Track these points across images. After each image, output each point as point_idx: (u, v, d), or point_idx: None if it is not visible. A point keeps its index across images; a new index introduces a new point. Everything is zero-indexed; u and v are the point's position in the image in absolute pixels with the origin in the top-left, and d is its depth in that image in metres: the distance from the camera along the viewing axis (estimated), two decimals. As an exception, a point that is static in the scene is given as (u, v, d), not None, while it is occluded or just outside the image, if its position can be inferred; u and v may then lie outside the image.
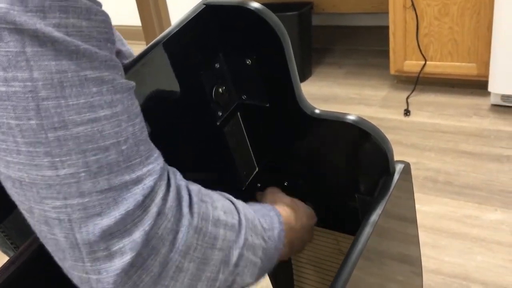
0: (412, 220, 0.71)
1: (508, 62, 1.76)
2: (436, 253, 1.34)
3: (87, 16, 0.35)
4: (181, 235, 0.39)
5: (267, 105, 0.67)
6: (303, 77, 2.42)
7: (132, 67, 0.53)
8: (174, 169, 0.43)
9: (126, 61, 0.54)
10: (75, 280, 0.39)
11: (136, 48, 0.68)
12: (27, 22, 0.32)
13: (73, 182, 0.35)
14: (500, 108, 1.90)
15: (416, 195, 1.65)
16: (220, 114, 0.67)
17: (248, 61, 0.64)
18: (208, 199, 0.45)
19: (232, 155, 0.71)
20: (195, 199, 0.43)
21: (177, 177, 0.42)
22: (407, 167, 0.63)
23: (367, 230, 0.55)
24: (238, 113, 0.70)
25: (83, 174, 0.35)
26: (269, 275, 0.89)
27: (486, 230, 1.39)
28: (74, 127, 0.34)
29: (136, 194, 0.37)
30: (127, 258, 0.36)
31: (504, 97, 1.87)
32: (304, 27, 2.34)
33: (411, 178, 0.65)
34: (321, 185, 0.73)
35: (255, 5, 0.58)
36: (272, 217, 0.55)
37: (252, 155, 0.74)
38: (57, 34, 0.33)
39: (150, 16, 2.68)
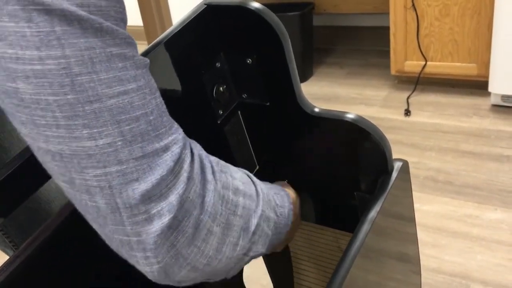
0: (410, 218, 0.72)
1: (508, 63, 1.77)
2: (436, 252, 1.35)
3: None
4: (208, 199, 0.43)
5: (268, 103, 0.67)
6: (305, 77, 2.42)
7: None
8: (193, 141, 0.46)
9: None
10: (115, 244, 0.41)
11: (138, 48, 0.69)
12: (54, 2, 0.34)
13: (111, 151, 0.37)
14: (500, 108, 1.91)
15: (416, 194, 1.66)
16: (221, 112, 0.67)
17: (249, 60, 0.64)
18: (227, 170, 0.48)
19: (232, 153, 0.72)
20: (216, 168, 0.46)
21: (198, 148, 0.46)
22: (405, 165, 0.64)
23: (365, 228, 0.56)
24: (239, 112, 0.71)
25: (119, 143, 0.37)
26: (269, 272, 0.90)
27: (486, 230, 1.39)
28: (107, 100, 0.36)
29: (167, 160, 0.39)
30: (165, 220, 0.39)
31: (504, 97, 1.88)
32: (305, 27, 2.35)
33: (409, 176, 0.66)
34: (320, 183, 0.73)
35: (256, 5, 0.59)
36: (283, 196, 0.59)
37: (253, 153, 0.75)
38: (81, 12, 0.35)
39: (151, 16, 2.69)
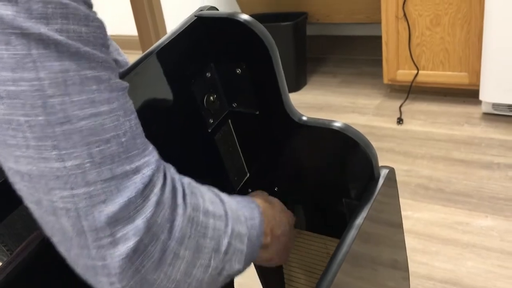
0: (397, 224, 0.73)
1: (499, 71, 1.80)
2: (427, 259, 1.36)
3: (85, 22, 0.38)
4: (177, 223, 0.43)
5: (257, 112, 0.69)
6: (298, 86, 2.44)
7: (125, 76, 0.55)
8: (168, 164, 0.46)
9: (122, 70, 0.56)
10: (80, 269, 0.41)
11: (133, 57, 0.70)
12: (32, 27, 0.35)
13: (79, 173, 0.37)
14: (491, 116, 1.93)
15: (408, 202, 1.67)
16: (211, 121, 0.69)
17: (238, 70, 0.66)
18: (198, 192, 0.48)
19: (223, 161, 0.73)
20: (187, 191, 0.46)
21: (171, 171, 0.46)
22: (391, 172, 0.65)
23: (352, 234, 0.57)
24: (229, 121, 0.72)
25: (88, 164, 0.37)
26: (260, 279, 0.91)
27: (476, 236, 1.41)
28: (77, 122, 0.37)
29: (136, 182, 0.39)
30: (130, 243, 0.39)
31: (495, 105, 1.90)
32: (298, 36, 2.37)
33: (396, 182, 0.68)
34: (310, 190, 0.75)
35: (244, 17, 0.61)
36: (253, 209, 0.58)
37: (243, 161, 0.76)
38: (59, 37, 0.36)
39: (146, 26, 2.71)
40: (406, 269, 0.81)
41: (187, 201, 0.45)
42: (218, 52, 0.66)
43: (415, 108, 2.10)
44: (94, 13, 0.40)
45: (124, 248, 0.39)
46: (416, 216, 1.51)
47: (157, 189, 0.41)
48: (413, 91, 2.12)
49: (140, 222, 0.39)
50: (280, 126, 0.67)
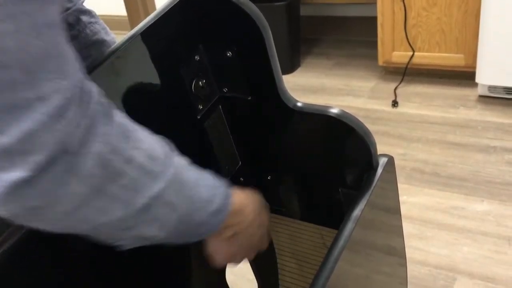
0: (395, 213, 0.71)
1: (495, 53, 1.76)
2: (422, 244, 1.34)
3: None
4: (82, 167, 0.38)
5: (249, 98, 0.65)
6: (292, 68, 2.40)
7: (106, 60, 0.51)
8: (99, 89, 0.40)
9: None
10: None
11: (121, 39, 0.66)
12: None
13: None
14: (487, 99, 1.91)
15: (403, 186, 1.65)
16: (201, 107, 0.65)
17: (229, 53, 0.62)
18: (132, 135, 0.42)
19: (214, 149, 0.70)
20: (114, 130, 0.40)
21: (94, 91, 0.39)
22: (390, 161, 0.62)
23: (350, 226, 0.54)
24: (220, 106, 0.68)
25: None
26: (253, 270, 0.88)
27: (472, 221, 1.39)
28: None
29: (43, 113, 0.34)
30: (22, 174, 0.34)
31: (491, 88, 1.87)
32: (292, 17, 2.32)
33: (395, 171, 0.65)
34: (305, 178, 0.72)
35: (235, -5, 0.57)
36: (216, 188, 0.52)
37: (235, 149, 0.73)
38: None
39: (136, 6, 2.64)
40: (403, 255, 0.79)
41: (97, 139, 0.39)
42: (207, 34, 0.62)
43: (410, 90, 2.07)
44: None
45: (11, 176, 0.34)
46: (411, 200, 1.49)
47: (65, 122, 0.35)
48: (409, 73, 2.08)
49: (39, 158, 0.35)
50: (274, 112, 0.64)
